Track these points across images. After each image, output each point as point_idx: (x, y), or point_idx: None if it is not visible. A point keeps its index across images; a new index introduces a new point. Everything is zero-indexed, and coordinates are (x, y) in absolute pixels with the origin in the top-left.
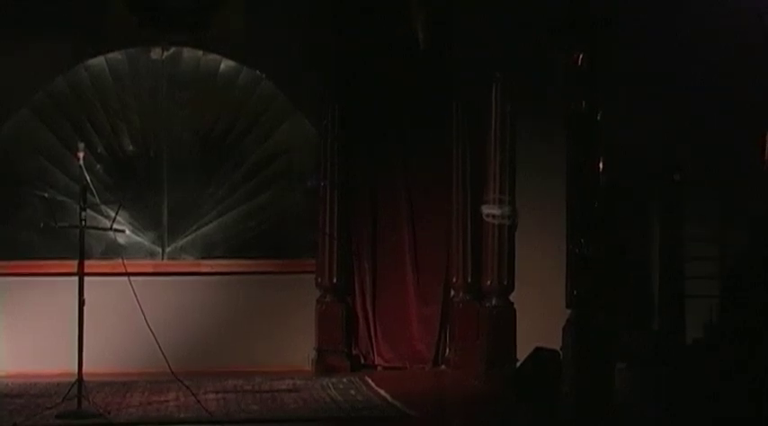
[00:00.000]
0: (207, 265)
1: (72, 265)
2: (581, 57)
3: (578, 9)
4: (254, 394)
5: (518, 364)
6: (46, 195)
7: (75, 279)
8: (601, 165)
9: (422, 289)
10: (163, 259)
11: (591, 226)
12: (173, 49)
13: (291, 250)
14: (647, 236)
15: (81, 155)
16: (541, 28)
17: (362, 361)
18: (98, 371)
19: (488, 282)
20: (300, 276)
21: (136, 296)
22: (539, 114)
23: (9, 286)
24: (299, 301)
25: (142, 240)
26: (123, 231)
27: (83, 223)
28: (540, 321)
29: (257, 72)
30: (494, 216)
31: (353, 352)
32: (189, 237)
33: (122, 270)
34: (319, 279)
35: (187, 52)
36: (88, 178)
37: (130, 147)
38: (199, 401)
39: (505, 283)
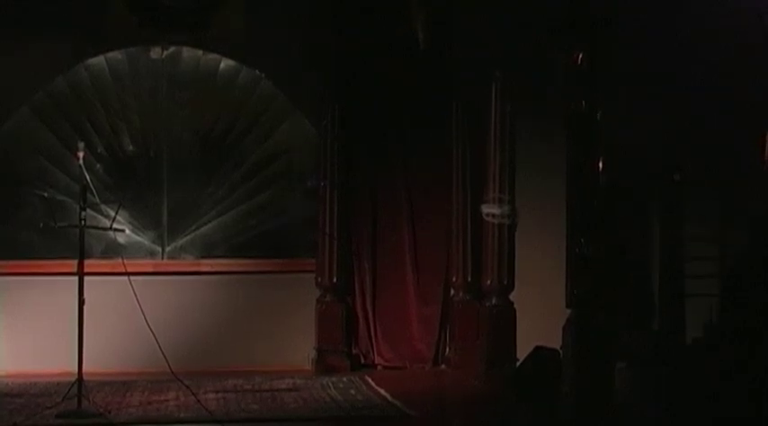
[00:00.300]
0: (207, 265)
1: (72, 265)
2: (581, 56)
3: (578, 9)
4: (254, 393)
5: (518, 364)
6: (46, 195)
7: (75, 278)
8: (600, 165)
9: (422, 289)
10: (163, 258)
11: (591, 225)
12: (172, 49)
13: (291, 249)
14: (647, 236)
15: (81, 154)
16: (541, 28)
17: (362, 361)
18: (98, 371)
19: (488, 282)
20: (300, 275)
21: (136, 295)
22: (539, 114)
23: (9, 286)
24: (299, 301)
25: (142, 239)
26: (123, 231)
27: (82, 222)
28: (540, 320)
29: (257, 72)
30: (494, 215)
31: (353, 352)
32: (189, 237)
33: (122, 269)
34: (319, 279)
35: (187, 52)
36: (88, 178)
37: (130, 147)
38: (199, 400)
39: (505, 283)
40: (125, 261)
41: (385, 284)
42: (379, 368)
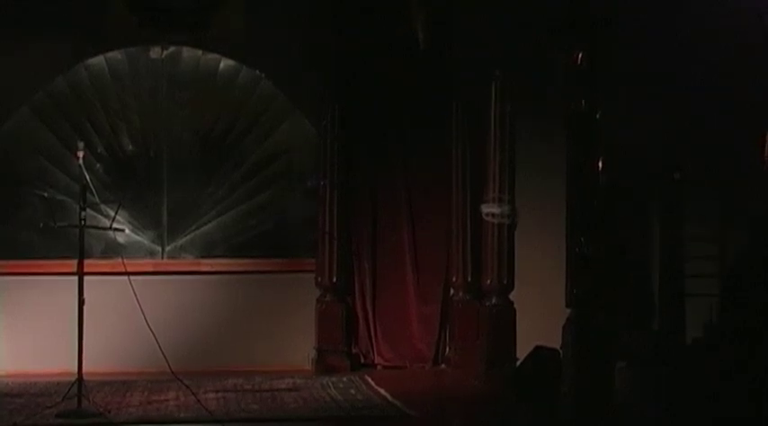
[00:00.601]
0: (207, 264)
1: (72, 265)
2: (581, 56)
3: (578, 9)
4: (254, 393)
5: (518, 363)
6: (45, 195)
7: (75, 278)
8: (600, 165)
9: (422, 289)
10: (162, 258)
11: (591, 225)
12: (172, 49)
13: (291, 249)
14: (647, 236)
15: (81, 154)
16: (541, 28)
17: (362, 361)
18: (98, 370)
19: (488, 281)
20: (300, 275)
21: (135, 295)
22: (539, 114)
23: (9, 286)
24: (299, 300)
25: (142, 239)
26: (123, 230)
27: (82, 222)
28: (539, 320)
29: (257, 72)
30: (493, 215)
31: (353, 352)
32: (189, 237)
33: (122, 269)
34: (319, 279)
35: (186, 51)
36: (88, 177)
37: (130, 147)
38: (199, 400)
39: (505, 282)
40: (125, 260)
41: (385, 284)
42: (379, 367)
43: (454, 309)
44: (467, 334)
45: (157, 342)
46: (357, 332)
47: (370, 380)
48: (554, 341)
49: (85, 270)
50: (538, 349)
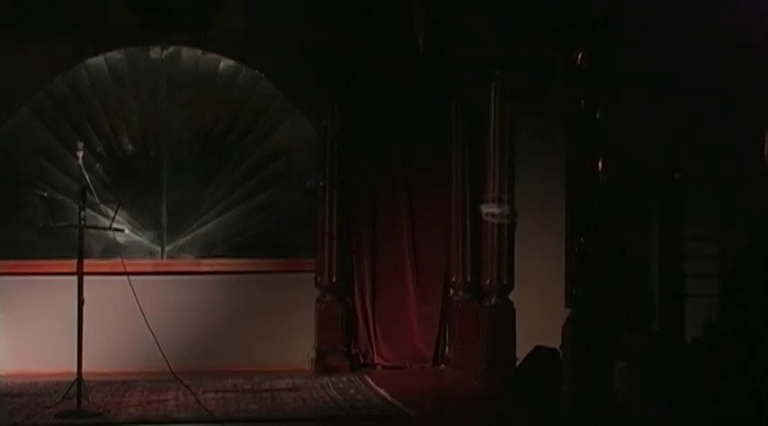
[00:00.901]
0: (206, 264)
1: (71, 265)
2: (581, 56)
3: (578, 9)
4: (254, 393)
5: (518, 363)
6: (45, 194)
7: (75, 278)
8: (600, 165)
9: (421, 289)
10: (162, 258)
11: (591, 225)
12: (172, 49)
13: (291, 249)
14: (647, 236)
15: (80, 154)
16: (541, 28)
17: (362, 361)
18: (98, 371)
19: (488, 281)
20: (300, 275)
21: (135, 295)
22: (539, 114)
23: (9, 286)
24: (299, 300)
25: (141, 239)
26: (122, 230)
27: (82, 222)
28: (539, 320)
29: (257, 72)
30: (493, 215)
31: (353, 352)
32: (188, 237)
33: (122, 269)
34: (319, 279)
35: (186, 51)
36: (87, 177)
37: (130, 147)
38: (198, 400)
39: (505, 282)
40: (124, 260)
41: (385, 284)
42: (378, 367)
43: (454, 309)
44: (466, 334)
45: (157, 342)
46: (357, 332)
47: (369, 380)
48: (554, 341)
49: (85, 270)
50: (537, 349)
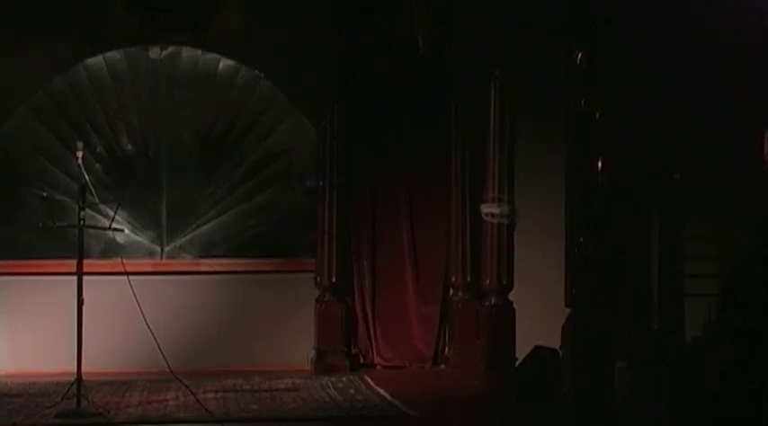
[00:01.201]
0: (206, 264)
1: (71, 265)
2: (581, 56)
3: (578, 9)
4: (254, 393)
5: (517, 363)
6: (44, 194)
7: (75, 278)
8: (600, 165)
9: (421, 289)
10: (162, 258)
11: (590, 225)
12: (171, 49)
13: (291, 249)
14: (647, 236)
15: (80, 154)
16: (541, 28)
17: (362, 361)
18: (97, 370)
19: (488, 281)
20: (300, 275)
21: (135, 295)
22: (538, 114)
23: (9, 286)
24: (299, 300)
25: (141, 239)
26: (122, 230)
27: (81, 222)
28: (539, 320)
29: (256, 71)
30: (493, 215)
31: (353, 352)
32: (188, 236)
33: (121, 269)
34: (319, 279)
35: (186, 51)
36: (87, 177)
37: (129, 147)
38: (198, 400)
39: (505, 282)
40: (124, 260)
41: (384, 284)
42: (378, 367)
43: (454, 309)
44: (466, 334)
45: (157, 342)
46: (356, 332)
47: (369, 380)
48: (553, 341)
49: (85, 270)
50: (537, 349)
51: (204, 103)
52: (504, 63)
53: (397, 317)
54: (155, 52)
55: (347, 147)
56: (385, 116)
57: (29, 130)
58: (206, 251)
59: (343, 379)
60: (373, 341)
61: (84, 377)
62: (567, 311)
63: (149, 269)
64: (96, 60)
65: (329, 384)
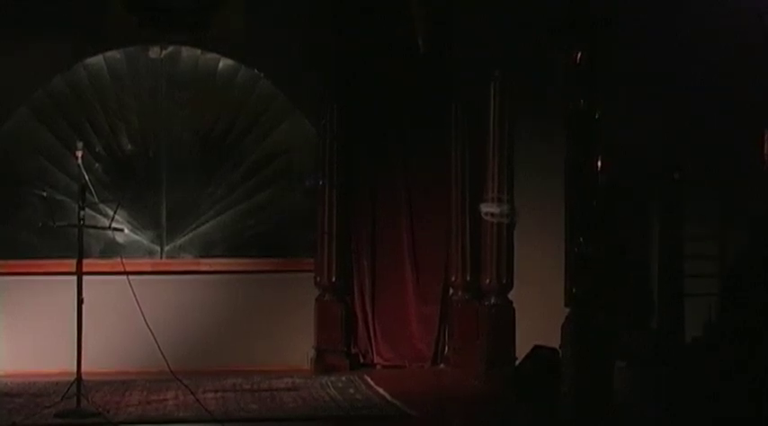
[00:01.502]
0: (206, 264)
1: (71, 264)
2: (581, 56)
3: (578, 9)
4: (253, 393)
5: (517, 363)
6: (44, 194)
7: (75, 278)
8: (600, 165)
9: (421, 288)
10: (162, 258)
11: (590, 225)
12: (171, 48)
13: (290, 249)
14: (647, 236)
15: (79, 154)
16: (541, 28)
17: (362, 360)
18: (97, 370)
19: (487, 281)
20: (299, 275)
21: (135, 295)
22: (538, 114)
23: (9, 285)
24: (299, 300)
25: (141, 239)
26: (122, 230)
27: (81, 222)
28: (539, 320)
29: (256, 71)
30: (493, 214)
31: (353, 351)
32: (188, 236)
33: (121, 269)
34: (318, 278)
35: (186, 51)
36: (87, 177)
37: (129, 147)
38: (198, 400)
39: (504, 282)
40: (124, 260)
41: (384, 283)
42: (378, 367)
43: (453, 309)
44: (466, 334)
45: (156, 342)
46: (356, 331)
47: (369, 380)
48: (553, 341)
49: (85, 269)
50: (537, 348)
51: (204, 103)
52: (504, 63)
53: (396, 317)
54: (155, 52)
55: (347, 147)
56: (385, 116)
57: (29, 130)
58: (206, 250)
59: (343, 379)
60: (373, 340)
61: (83, 377)
62: (567, 311)
63: (149, 268)
64: (96, 60)
65: (329, 383)
